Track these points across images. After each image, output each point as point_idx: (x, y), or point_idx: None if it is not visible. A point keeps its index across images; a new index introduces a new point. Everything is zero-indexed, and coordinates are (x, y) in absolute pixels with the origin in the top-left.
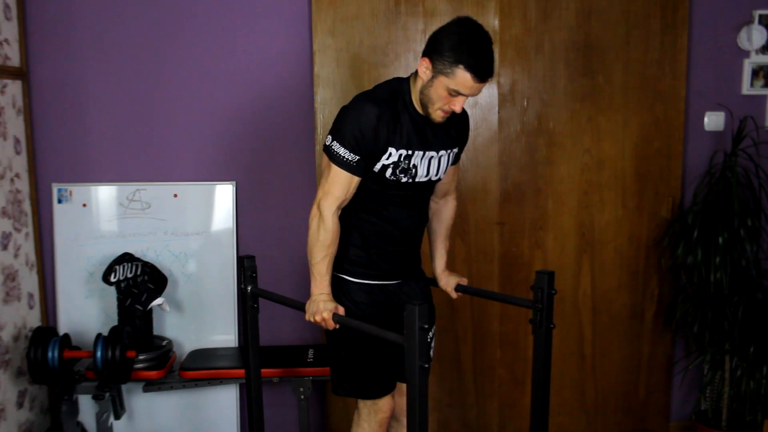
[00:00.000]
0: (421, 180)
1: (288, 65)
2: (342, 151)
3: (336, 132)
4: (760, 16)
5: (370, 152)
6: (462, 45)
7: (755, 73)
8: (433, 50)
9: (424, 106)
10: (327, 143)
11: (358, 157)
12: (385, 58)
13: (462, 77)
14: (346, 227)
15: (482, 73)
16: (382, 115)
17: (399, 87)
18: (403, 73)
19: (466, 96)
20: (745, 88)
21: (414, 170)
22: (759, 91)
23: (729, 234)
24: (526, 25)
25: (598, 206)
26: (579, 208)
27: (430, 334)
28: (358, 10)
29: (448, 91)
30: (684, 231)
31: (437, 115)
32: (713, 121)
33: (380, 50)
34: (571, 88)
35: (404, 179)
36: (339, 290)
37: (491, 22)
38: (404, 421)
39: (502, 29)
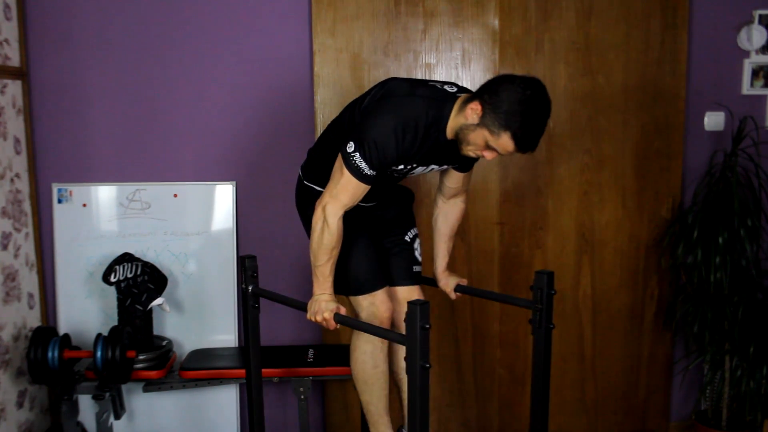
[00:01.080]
0: (412, 175)
1: (288, 65)
2: (363, 165)
3: (360, 144)
4: (760, 16)
5: (386, 166)
6: (518, 114)
7: (755, 73)
8: (489, 101)
9: (457, 137)
10: (349, 150)
11: (375, 172)
12: (385, 58)
13: (505, 142)
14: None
15: (526, 147)
16: (407, 139)
17: (441, 107)
18: (403, 74)
19: (501, 155)
20: (745, 88)
21: (412, 174)
22: (759, 91)
23: (729, 234)
24: (526, 25)
25: (598, 206)
26: (579, 208)
27: (411, 234)
28: (358, 10)
29: (486, 143)
30: (684, 231)
31: (467, 153)
32: (713, 121)
33: (380, 50)
34: (571, 88)
35: (396, 175)
36: (309, 197)
37: (491, 22)
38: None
39: (502, 29)
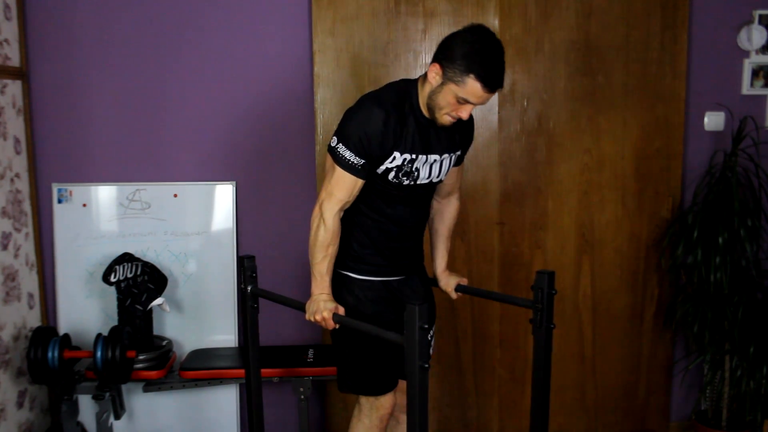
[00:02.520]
0: (422, 182)
1: (288, 65)
2: (348, 154)
3: (342, 134)
4: (760, 16)
5: (375, 156)
6: (474, 54)
7: (755, 73)
8: (444, 57)
9: (431, 110)
10: (332, 144)
11: (363, 161)
12: (385, 58)
13: (472, 87)
14: (348, 224)
15: (492, 84)
16: (389, 119)
17: (406, 90)
18: (403, 74)
19: (474, 104)
20: (745, 88)
21: (416, 173)
22: (759, 91)
23: (729, 234)
24: (526, 25)
25: (598, 206)
26: (579, 208)
27: (431, 333)
28: (358, 10)
29: (457, 98)
30: (684, 231)
31: (444, 120)
32: (713, 121)
33: (380, 50)
34: (571, 88)
35: (406, 182)
36: (342, 286)
37: (491, 22)
38: (403, 418)
39: (502, 29)
